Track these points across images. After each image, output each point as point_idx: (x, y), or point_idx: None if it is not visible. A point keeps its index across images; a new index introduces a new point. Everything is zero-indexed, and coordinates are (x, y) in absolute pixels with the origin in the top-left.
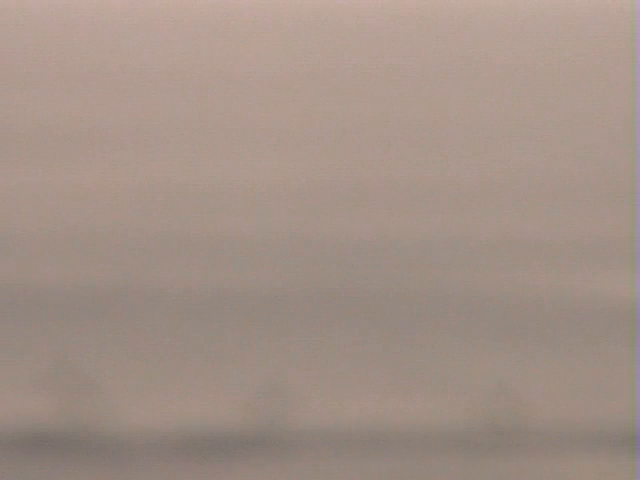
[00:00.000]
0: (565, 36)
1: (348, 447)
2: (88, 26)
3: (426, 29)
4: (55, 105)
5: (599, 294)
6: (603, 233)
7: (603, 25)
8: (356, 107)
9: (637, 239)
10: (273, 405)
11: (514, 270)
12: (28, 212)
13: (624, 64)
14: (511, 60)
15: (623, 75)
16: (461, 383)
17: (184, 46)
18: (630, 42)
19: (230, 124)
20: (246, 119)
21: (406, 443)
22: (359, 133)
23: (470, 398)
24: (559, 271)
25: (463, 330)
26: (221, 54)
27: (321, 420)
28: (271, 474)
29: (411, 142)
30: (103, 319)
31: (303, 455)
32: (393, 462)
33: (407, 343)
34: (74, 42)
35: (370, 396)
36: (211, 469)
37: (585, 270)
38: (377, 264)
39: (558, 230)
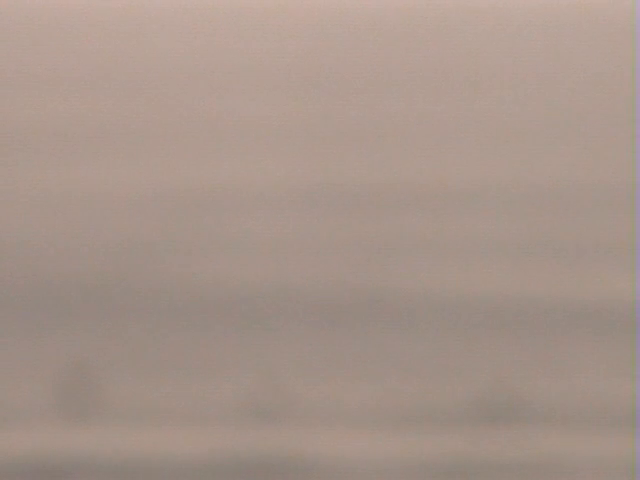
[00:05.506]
0: (564, 36)
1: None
2: (92, 24)
3: (425, 29)
4: (56, 105)
5: (599, 294)
6: (603, 233)
7: (603, 25)
8: (357, 107)
9: (637, 240)
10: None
11: (513, 270)
12: (32, 211)
13: (624, 64)
14: (510, 61)
15: (623, 75)
16: (460, 382)
17: (188, 45)
18: (630, 42)
19: (234, 123)
20: (249, 118)
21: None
22: (360, 133)
23: (469, 398)
24: (559, 271)
25: (462, 330)
26: (226, 53)
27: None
28: None
29: (413, 142)
30: (102, 318)
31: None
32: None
33: (406, 344)
34: (80, 42)
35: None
36: None
37: (585, 270)
38: (377, 265)
39: (558, 230)
